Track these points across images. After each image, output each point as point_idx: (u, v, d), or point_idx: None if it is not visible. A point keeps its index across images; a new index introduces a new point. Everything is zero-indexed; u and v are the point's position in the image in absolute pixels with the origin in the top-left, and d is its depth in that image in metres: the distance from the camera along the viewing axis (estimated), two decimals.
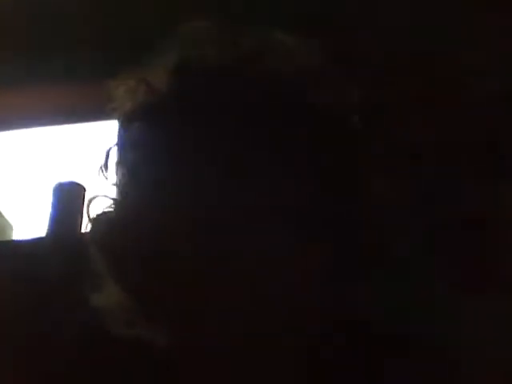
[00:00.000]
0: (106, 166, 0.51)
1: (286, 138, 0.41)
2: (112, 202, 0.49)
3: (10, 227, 1.62)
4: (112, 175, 0.50)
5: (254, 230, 0.40)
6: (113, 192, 0.50)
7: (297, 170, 0.41)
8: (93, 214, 0.50)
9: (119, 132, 0.49)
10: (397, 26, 1.63)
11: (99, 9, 1.58)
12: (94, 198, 0.51)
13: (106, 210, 0.49)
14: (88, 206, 0.51)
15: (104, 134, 1.68)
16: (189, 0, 1.60)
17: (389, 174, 0.59)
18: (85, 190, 1.28)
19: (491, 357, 1.15)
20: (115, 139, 0.50)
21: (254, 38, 0.46)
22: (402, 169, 1.39)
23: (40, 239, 1.22)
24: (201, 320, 0.42)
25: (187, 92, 0.44)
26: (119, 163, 0.49)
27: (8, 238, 1.57)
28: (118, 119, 0.49)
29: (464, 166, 1.47)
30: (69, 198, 1.23)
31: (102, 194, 0.51)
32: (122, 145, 0.49)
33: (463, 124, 1.52)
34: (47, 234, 1.21)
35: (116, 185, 0.50)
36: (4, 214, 1.61)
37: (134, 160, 0.47)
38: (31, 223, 1.57)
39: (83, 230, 1.23)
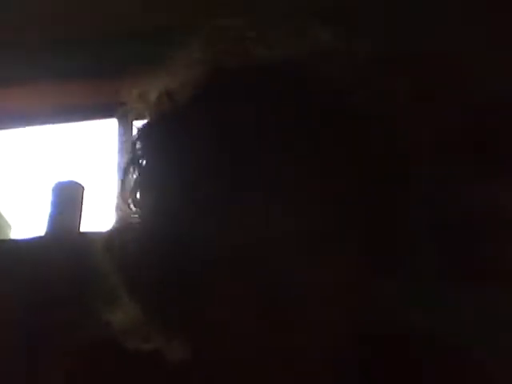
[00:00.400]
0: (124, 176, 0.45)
1: (326, 151, 0.39)
2: (127, 218, 0.46)
3: (9, 226, 1.62)
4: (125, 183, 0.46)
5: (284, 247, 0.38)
6: (121, 200, 0.47)
7: (336, 184, 0.40)
8: (108, 234, 0.47)
9: (139, 140, 0.45)
10: (400, 26, 1.64)
11: (99, 8, 1.58)
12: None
13: (121, 227, 0.46)
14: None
15: (102, 132, 1.68)
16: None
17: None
18: (84, 189, 1.27)
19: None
20: (131, 148, 0.45)
21: (281, 40, 0.43)
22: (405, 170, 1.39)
23: (39, 238, 1.22)
24: (218, 333, 0.41)
25: (214, 107, 0.40)
26: (135, 173, 0.45)
27: (6, 237, 1.57)
28: (137, 128, 0.45)
29: (464, 166, 1.48)
30: (68, 197, 1.22)
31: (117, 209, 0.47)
32: (143, 154, 0.44)
33: (463, 124, 1.52)
34: (46, 233, 1.20)
35: (131, 197, 0.45)
36: (2, 213, 1.61)
37: (154, 175, 0.43)
38: (30, 222, 1.57)
39: (83, 230, 1.24)
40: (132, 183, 0.45)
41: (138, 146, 0.44)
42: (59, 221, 1.20)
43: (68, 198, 1.22)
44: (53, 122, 1.69)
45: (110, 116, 1.62)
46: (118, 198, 0.46)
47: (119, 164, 0.48)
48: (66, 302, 1.10)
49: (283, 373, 0.40)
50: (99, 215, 1.27)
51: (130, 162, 0.44)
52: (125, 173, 0.45)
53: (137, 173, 0.44)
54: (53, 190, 1.25)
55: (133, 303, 0.46)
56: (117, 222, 0.47)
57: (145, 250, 0.44)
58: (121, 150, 1.34)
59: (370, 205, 0.41)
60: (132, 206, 0.45)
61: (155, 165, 0.43)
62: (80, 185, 1.27)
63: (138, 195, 0.44)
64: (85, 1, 1.55)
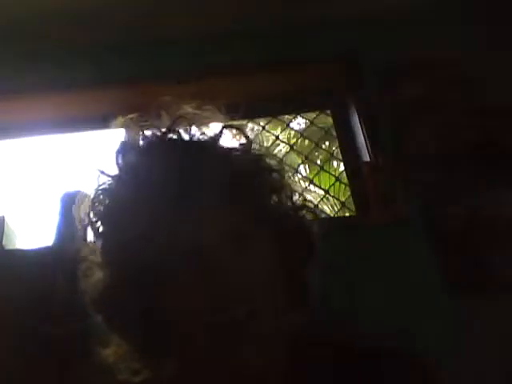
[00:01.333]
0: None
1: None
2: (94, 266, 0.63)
3: (15, 235, 1.63)
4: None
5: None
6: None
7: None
8: (84, 277, 0.63)
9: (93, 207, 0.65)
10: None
11: (101, 18, 1.60)
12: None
13: (97, 276, 0.61)
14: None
15: (109, 142, 1.69)
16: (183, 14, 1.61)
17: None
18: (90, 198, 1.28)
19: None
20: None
21: (172, 116, 0.63)
22: (408, 176, 1.40)
23: (46, 248, 1.22)
24: (202, 352, 0.55)
25: (129, 170, 0.61)
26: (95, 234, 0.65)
27: (13, 247, 1.58)
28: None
29: (465, 167, 1.48)
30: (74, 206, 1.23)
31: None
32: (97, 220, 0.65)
33: (464, 126, 1.53)
34: (54, 243, 1.21)
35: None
36: (9, 222, 1.62)
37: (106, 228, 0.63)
38: (36, 232, 1.57)
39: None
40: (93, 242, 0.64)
41: (92, 213, 0.64)
42: (65, 230, 1.21)
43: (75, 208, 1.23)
44: (59, 132, 1.70)
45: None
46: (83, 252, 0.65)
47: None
48: (71, 311, 1.10)
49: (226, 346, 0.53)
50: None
51: (88, 225, 0.65)
52: (85, 233, 0.66)
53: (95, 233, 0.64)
54: (60, 200, 1.25)
55: (116, 337, 0.59)
56: (86, 271, 0.64)
57: (112, 291, 0.58)
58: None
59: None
60: (95, 256, 0.63)
61: (106, 223, 0.62)
62: (86, 194, 1.28)
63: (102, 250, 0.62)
64: (85, 12, 1.56)
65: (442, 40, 1.58)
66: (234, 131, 0.64)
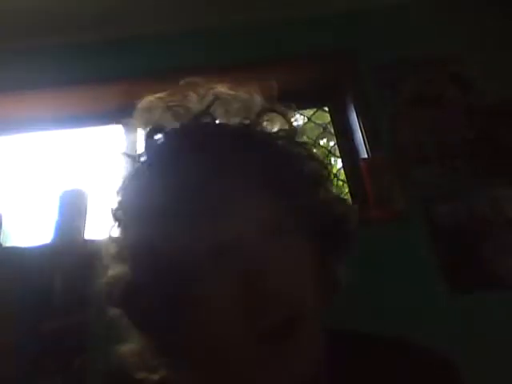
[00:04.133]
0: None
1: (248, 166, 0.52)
2: (122, 252, 0.55)
3: (12, 233, 1.63)
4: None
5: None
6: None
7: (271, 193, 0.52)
8: (106, 279, 0.55)
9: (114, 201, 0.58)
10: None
11: (102, 13, 1.59)
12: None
13: (117, 273, 0.54)
14: None
15: (108, 139, 1.69)
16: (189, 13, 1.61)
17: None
18: (89, 196, 1.28)
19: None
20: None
21: (202, 99, 0.58)
22: (406, 172, 1.40)
23: (45, 245, 1.22)
24: (204, 329, 0.49)
25: (160, 157, 0.54)
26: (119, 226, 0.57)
27: (11, 244, 1.58)
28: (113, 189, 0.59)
29: (463, 164, 1.49)
30: (73, 204, 1.23)
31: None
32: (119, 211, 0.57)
33: (462, 124, 1.53)
34: (52, 240, 1.21)
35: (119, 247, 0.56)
36: (7, 219, 1.62)
37: (131, 224, 0.54)
38: (35, 230, 1.57)
39: (88, 237, 1.25)
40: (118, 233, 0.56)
41: (116, 202, 0.56)
42: (64, 228, 1.21)
43: (73, 206, 1.23)
44: (58, 129, 1.70)
45: (116, 122, 1.63)
46: (109, 245, 0.56)
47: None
48: (71, 309, 1.11)
49: (271, 353, 0.47)
50: (104, 222, 1.27)
51: (113, 217, 0.57)
52: (111, 227, 0.57)
53: (119, 227, 0.56)
54: (58, 198, 1.26)
55: (139, 336, 0.53)
56: (113, 266, 0.55)
57: (138, 288, 0.51)
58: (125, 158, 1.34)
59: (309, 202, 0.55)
60: (117, 248, 0.55)
61: (130, 219, 0.54)
62: (85, 192, 1.28)
63: (124, 244, 0.54)
64: (86, 7, 1.56)
65: (442, 37, 1.58)
66: (276, 116, 0.58)
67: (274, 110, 0.58)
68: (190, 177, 0.49)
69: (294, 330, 0.47)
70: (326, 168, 0.59)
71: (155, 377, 0.52)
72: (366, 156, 1.49)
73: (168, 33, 1.62)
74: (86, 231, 1.25)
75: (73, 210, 1.22)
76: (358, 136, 1.54)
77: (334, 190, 0.60)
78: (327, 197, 0.58)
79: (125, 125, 0.61)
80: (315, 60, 1.63)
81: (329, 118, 1.72)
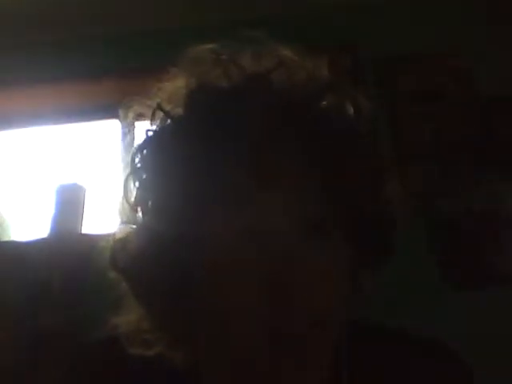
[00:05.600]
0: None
1: (300, 152, 0.45)
2: (130, 225, 0.48)
3: (10, 228, 1.62)
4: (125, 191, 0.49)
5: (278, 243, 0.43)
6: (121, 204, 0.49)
7: (314, 183, 0.45)
8: (113, 241, 0.49)
9: (137, 154, 0.48)
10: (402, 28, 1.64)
11: (100, 8, 1.58)
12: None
13: (125, 235, 0.48)
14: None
15: (105, 134, 1.68)
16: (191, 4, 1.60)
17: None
18: (86, 190, 1.28)
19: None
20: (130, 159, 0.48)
21: (257, 58, 0.49)
22: (405, 168, 1.40)
23: (41, 239, 1.22)
24: (224, 334, 0.44)
25: (203, 118, 0.46)
26: (135, 184, 0.48)
27: (7, 238, 1.58)
28: (134, 145, 0.49)
29: (464, 162, 1.48)
30: (70, 199, 1.23)
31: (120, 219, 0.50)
32: (141, 168, 0.48)
33: (462, 119, 1.52)
34: (49, 235, 1.21)
35: (134, 205, 0.48)
36: (3, 213, 1.61)
37: (155, 182, 0.47)
38: (32, 224, 1.57)
39: (85, 231, 1.24)
40: (133, 193, 0.48)
41: (136, 160, 0.48)
42: (61, 222, 1.21)
43: (70, 200, 1.23)
44: (54, 123, 1.69)
45: (112, 117, 1.62)
46: (120, 205, 0.49)
47: (120, 169, 0.51)
48: (67, 303, 1.10)
49: (288, 362, 0.42)
50: (101, 216, 1.27)
51: (130, 174, 0.48)
52: (125, 184, 0.48)
53: (137, 184, 0.48)
54: (56, 192, 1.25)
55: (139, 307, 0.48)
56: (120, 229, 0.48)
57: (149, 254, 0.46)
58: (123, 152, 1.34)
59: (351, 198, 0.46)
60: (135, 213, 0.48)
61: (153, 177, 0.47)
62: (82, 187, 1.28)
63: (139, 203, 0.47)
64: (84, 1, 1.55)
65: (442, 32, 1.57)
66: (343, 96, 0.49)
67: (342, 90, 0.49)
68: (232, 152, 0.42)
69: (315, 337, 0.42)
70: (390, 165, 0.52)
71: (150, 352, 0.48)
72: None
73: (167, 27, 1.61)
74: (83, 225, 1.24)
75: (70, 204, 1.22)
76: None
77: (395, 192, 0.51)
78: (386, 200, 0.49)
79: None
80: (314, 56, 1.62)
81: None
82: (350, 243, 0.46)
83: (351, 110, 0.49)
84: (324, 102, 0.48)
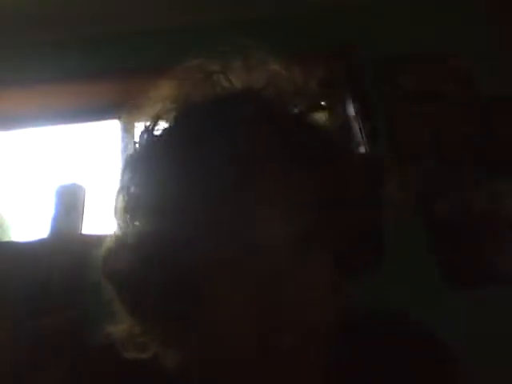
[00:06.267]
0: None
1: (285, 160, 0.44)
2: (120, 235, 0.48)
3: (9, 227, 1.62)
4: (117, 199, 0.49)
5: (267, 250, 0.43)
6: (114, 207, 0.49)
7: (300, 188, 0.45)
8: (105, 252, 0.49)
9: (126, 170, 0.48)
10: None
11: (100, 8, 1.58)
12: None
13: (116, 245, 0.49)
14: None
15: (104, 134, 1.68)
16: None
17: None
18: (86, 191, 1.28)
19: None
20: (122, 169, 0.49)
21: (247, 71, 0.50)
22: (405, 168, 1.40)
23: (41, 240, 1.22)
24: (218, 334, 0.44)
25: (189, 129, 0.46)
26: (125, 198, 0.48)
27: (7, 239, 1.58)
28: (123, 159, 0.49)
29: (463, 162, 1.48)
30: (70, 199, 1.23)
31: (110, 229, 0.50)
32: (131, 183, 0.48)
33: (461, 119, 1.52)
34: (48, 235, 1.21)
35: (125, 217, 0.48)
36: (3, 214, 1.62)
37: (142, 199, 0.47)
38: (31, 223, 1.57)
39: (85, 231, 1.24)
40: (124, 205, 0.48)
41: (125, 175, 0.48)
42: (61, 223, 1.21)
43: (70, 201, 1.23)
44: (54, 123, 1.69)
45: (112, 117, 1.62)
46: (113, 217, 0.49)
47: (117, 173, 0.50)
48: (67, 303, 1.10)
49: (279, 371, 0.43)
50: (101, 216, 1.27)
51: (120, 189, 0.48)
52: (117, 197, 0.48)
53: (126, 197, 0.47)
54: (55, 193, 1.25)
55: (131, 316, 0.48)
56: (112, 240, 0.49)
57: (142, 264, 0.46)
58: (123, 152, 1.34)
59: (340, 212, 0.46)
60: (125, 224, 0.48)
61: (142, 190, 0.47)
62: (82, 187, 1.28)
63: (131, 215, 0.47)
64: (84, 1, 1.55)
65: (442, 32, 1.57)
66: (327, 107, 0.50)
67: (325, 104, 0.51)
68: (222, 169, 0.42)
69: (304, 345, 0.43)
70: (384, 171, 0.51)
71: (144, 356, 0.48)
72: (364, 151, 1.48)
73: (167, 27, 1.61)
74: (83, 225, 1.24)
75: (69, 205, 1.22)
76: (356, 131, 1.53)
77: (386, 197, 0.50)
78: (375, 210, 0.49)
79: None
80: (313, 55, 1.62)
81: (326, 115, 1.71)
82: (338, 253, 0.46)
83: (337, 123, 0.51)
84: (311, 116, 0.49)
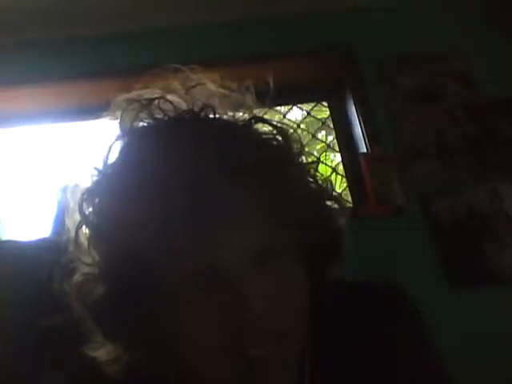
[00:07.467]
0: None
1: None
2: (87, 267, 0.49)
3: (9, 227, 1.63)
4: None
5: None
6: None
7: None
8: (76, 285, 0.50)
9: (85, 203, 0.50)
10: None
11: (99, 8, 1.59)
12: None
13: (84, 277, 0.49)
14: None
15: (105, 133, 1.68)
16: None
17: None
18: None
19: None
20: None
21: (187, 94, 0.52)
22: (405, 168, 1.40)
23: (42, 240, 1.22)
24: (188, 350, 0.46)
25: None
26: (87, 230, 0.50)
27: (8, 238, 1.58)
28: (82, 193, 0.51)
29: (464, 162, 1.48)
30: (72, 199, 1.23)
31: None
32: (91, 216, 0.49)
33: (462, 119, 1.53)
34: (50, 235, 1.21)
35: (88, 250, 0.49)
36: (3, 213, 1.62)
37: (104, 229, 0.47)
38: (31, 223, 1.57)
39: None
40: (86, 238, 0.49)
41: (85, 209, 0.49)
42: (62, 222, 1.21)
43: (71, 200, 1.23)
44: (54, 123, 1.69)
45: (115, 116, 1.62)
46: (74, 252, 0.50)
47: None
48: (67, 303, 1.10)
49: (256, 381, 0.45)
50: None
51: (81, 222, 0.49)
52: (77, 231, 0.49)
53: (89, 230, 0.48)
54: (59, 193, 1.25)
55: (107, 339, 0.50)
56: (79, 273, 0.49)
57: (112, 291, 0.47)
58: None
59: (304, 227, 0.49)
60: (88, 257, 0.48)
61: (103, 221, 0.47)
62: (77, 185, 1.28)
63: (93, 247, 0.48)
64: (84, 1, 1.56)
65: (442, 33, 1.57)
66: (267, 126, 0.51)
67: (263, 120, 0.52)
68: (174, 195, 0.42)
69: (281, 351, 0.45)
70: (328, 181, 0.53)
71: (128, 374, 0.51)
72: (365, 150, 1.48)
73: (167, 27, 1.61)
74: None
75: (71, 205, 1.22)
76: (357, 130, 1.54)
77: (335, 199, 0.54)
78: (328, 213, 0.53)
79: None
80: (316, 55, 1.63)
81: (328, 114, 1.72)
82: (304, 256, 0.49)
83: (281, 139, 0.51)
84: (252, 132, 0.50)
